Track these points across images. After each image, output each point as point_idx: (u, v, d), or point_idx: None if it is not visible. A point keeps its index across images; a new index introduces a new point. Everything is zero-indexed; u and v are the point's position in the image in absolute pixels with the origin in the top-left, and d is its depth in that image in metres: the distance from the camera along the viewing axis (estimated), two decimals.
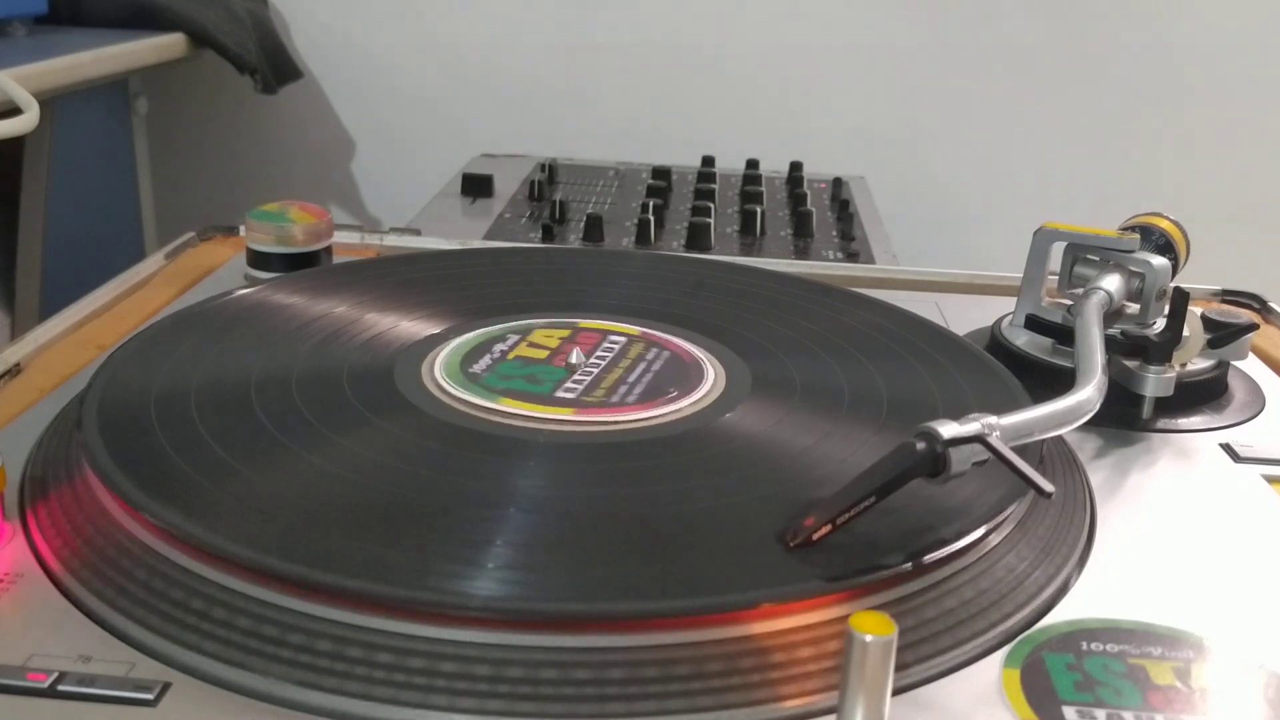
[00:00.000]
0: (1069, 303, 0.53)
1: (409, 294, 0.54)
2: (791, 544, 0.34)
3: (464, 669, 0.30)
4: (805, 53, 1.40)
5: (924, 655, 0.32)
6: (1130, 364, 0.49)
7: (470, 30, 1.42)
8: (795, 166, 1.16)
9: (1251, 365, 0.55)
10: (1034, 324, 0.54)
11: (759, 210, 0.95)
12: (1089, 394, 0.41)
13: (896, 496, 0.34)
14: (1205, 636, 0.34)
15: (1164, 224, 0.55)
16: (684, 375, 0.46)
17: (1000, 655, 0.33)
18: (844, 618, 0.31)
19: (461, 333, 0.49)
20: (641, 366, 0.47)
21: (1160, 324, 0.50)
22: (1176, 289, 0.49)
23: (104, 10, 1.24)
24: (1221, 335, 0.51)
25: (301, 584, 0.31)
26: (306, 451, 0.39)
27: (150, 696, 0.30)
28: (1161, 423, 0.49)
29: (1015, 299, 0.55)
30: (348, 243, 0.70)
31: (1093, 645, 0.33)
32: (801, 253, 0.90)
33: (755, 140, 1.31)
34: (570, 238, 0.91)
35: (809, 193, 1.04)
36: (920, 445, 0.34)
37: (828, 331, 0.51)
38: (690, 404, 0.43)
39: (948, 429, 0.34)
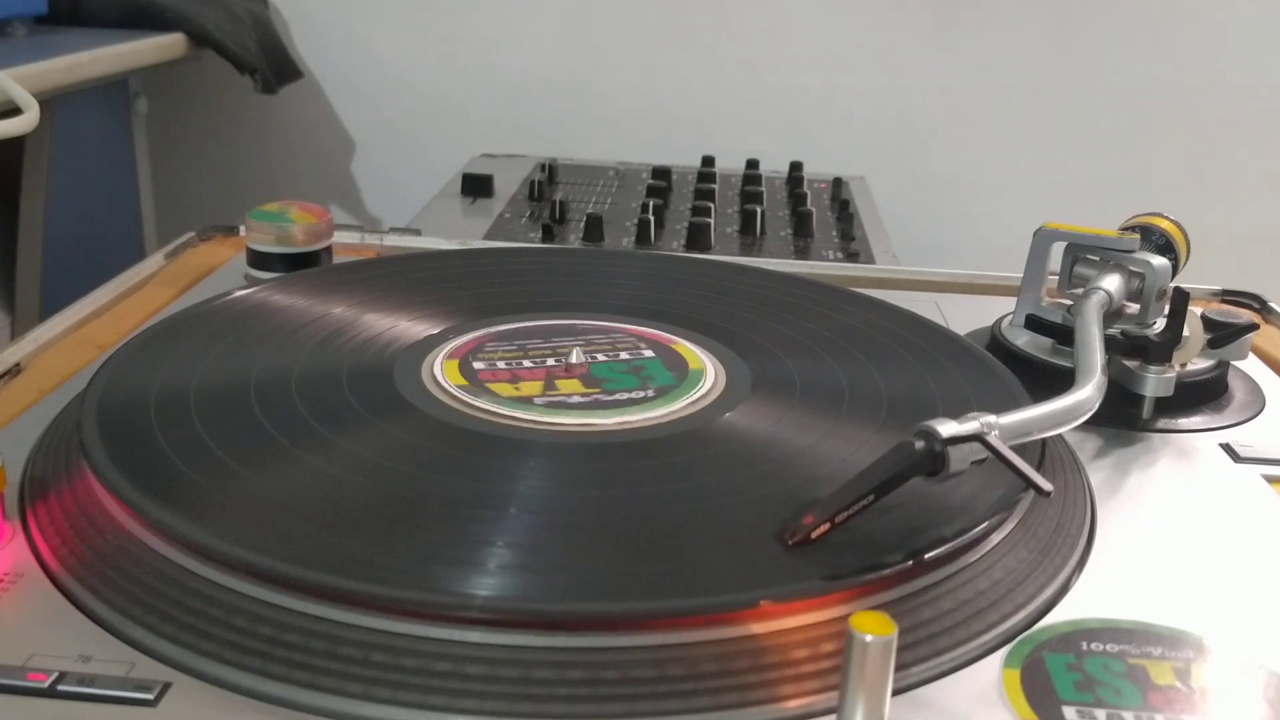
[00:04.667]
0: (1069, 303, 0.53)
1: (409, 294, 0.54)
2: (791, 542, 0.34)
3: (463, 669, 0.30)
4: (805, 52, 1.40)
5: (924, 655, 0.32)
6: (1130, 364, 0.49)
7: (470, 30, 1.42)
8: (795, 166, 1.16)
9: (1251, 365, 0.55)
10: (1034, 324, 0.54)
11: (759, 210, 0.95)
12: (1088, 393, 0.41)
13: (896, 495, 0.34)
14: (1205, 636, 0.34)
15: (1164, 224, 0.55)
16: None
17: (1000, 655, 0.33)
18: (844, 618, 0.31)
19: (461, 333, 0.49)
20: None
21: (1160, 324, 0.50)
22: (1176, 289, 0.49)
23: (104, 10, 1.24)
24: (1221, 335, 0.51)
25: (301, 584, 0.31)
26: (306, 452, 0.39)
27: (150, 696, 0.30)
28: (1161, 423, 0.49)
29: (1015, 299, 0.55)
30: (348, 243, 0.70)
31: (1093, 645, 0.33)
32: (801, 253, 0.90)
33: (755, 140, 1.31)
34: (570, 238, 0.91)
35: (809, 193, 1.04)
36: (919, 444, 0.34)
37: (828, 331, 0.51)
38: (690, 404, 0.43)
39: (946, 428, 0.34)
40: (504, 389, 0.44)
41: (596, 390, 0.44)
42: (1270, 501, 0.43)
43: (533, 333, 0.50)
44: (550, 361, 0.47)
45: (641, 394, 0.44)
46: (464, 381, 0.44)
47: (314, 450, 0.39)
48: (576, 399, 0.43)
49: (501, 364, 0.46)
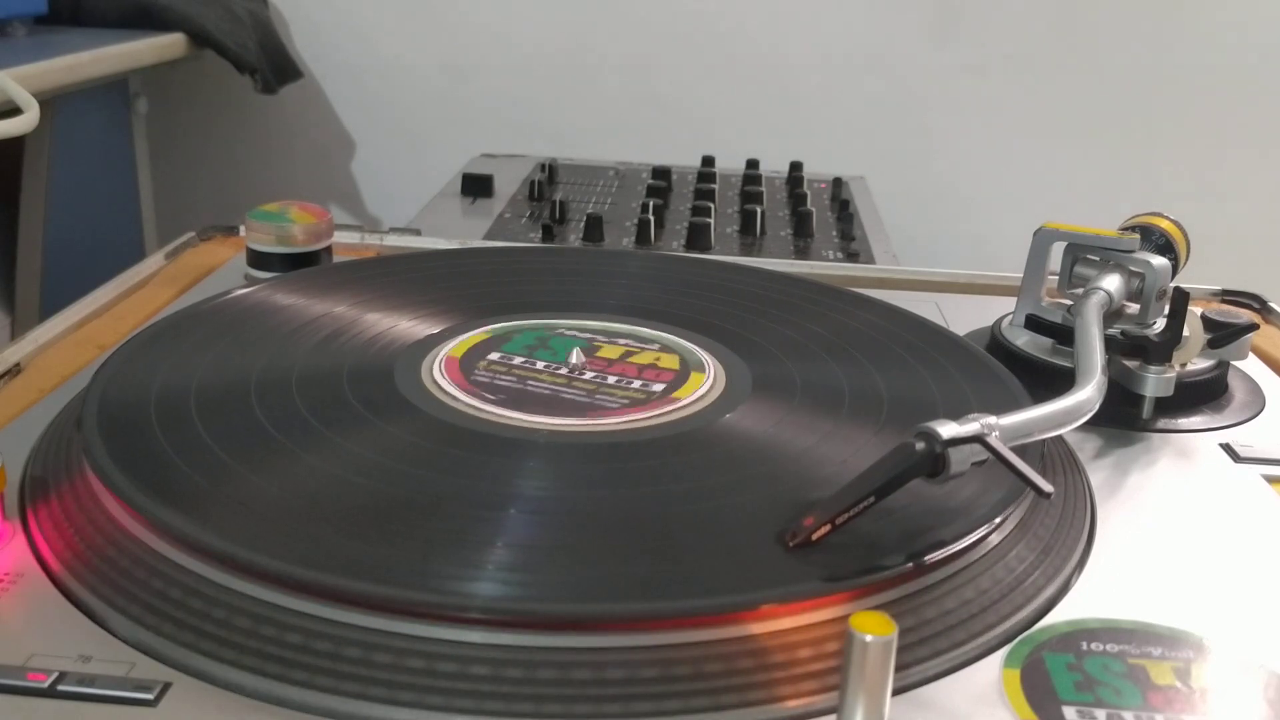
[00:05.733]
0: (1069, 303, 0.53)
1: (409, 294, 0.54)
2: (791, 544, 0.34)
3: (463, 669, 0.30)
4: (805, 53, 1.40)
5: (924, 655, 0.32)
6: (1130, 364, 0.49)
7: (470, 30, 1.42)
8: (795, 166, 1.16)
9: (1251, 365, 0.55)
10: (1034, 324, 0.54)
11: (759, 210, 0.95)
12: (1088, 394, 0.41)
13: (896, 496, 0.34)
14: (1205, 636, 0.34)
15: (1164, 224, 0.55)
16: (660, 393, 0.46)
17: (1000, 655, 0.33)
18: (844, 618, 0.31)
19: (461, 333, 0.49)
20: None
21: (1160, 324, 0.50)
22: (1176, 289, 0.49)
23: (104, 10, 1.24)
24: (1221, 335, 0.51)
25: (301, 584, 0.31)
26: (306, 452, 0.39)
27: (150, 696, 0.30)
28: (1161, 423, 0.49)
29: (1015, 299, 0.55)
30: (348, 243, 0.70)
31: (1093, 645, 0.33)
32: (801, 253, 0.90)
33: (755, 140, 1.31)
34: (570, 238, 0.91)
35: (809, 193, 1.04)
36: (919, 445, 0.34)
37: (828, 331, 0.51)
38: (690, 404, 0.43)
39: (947, 429, 0.34)
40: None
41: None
42: (1270, 501, 0.43)
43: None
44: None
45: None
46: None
47: (314, 450, 0.39)
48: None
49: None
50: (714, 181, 1.08)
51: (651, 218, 0.91)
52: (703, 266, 0.62)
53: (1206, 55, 1.37)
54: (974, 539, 0.35)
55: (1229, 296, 0.67)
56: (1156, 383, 0.49)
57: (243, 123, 1.48)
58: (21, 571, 0.35)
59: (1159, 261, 0.52)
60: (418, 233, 0.75)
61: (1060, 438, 0.44)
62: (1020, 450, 0.36)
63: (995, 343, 0.55)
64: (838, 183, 1.14)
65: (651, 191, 1.03)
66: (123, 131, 1.30)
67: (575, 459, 0.39)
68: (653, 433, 0.41)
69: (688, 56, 1.41)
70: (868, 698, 0.27)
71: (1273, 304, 0.65)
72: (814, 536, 0.34)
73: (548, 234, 0.91)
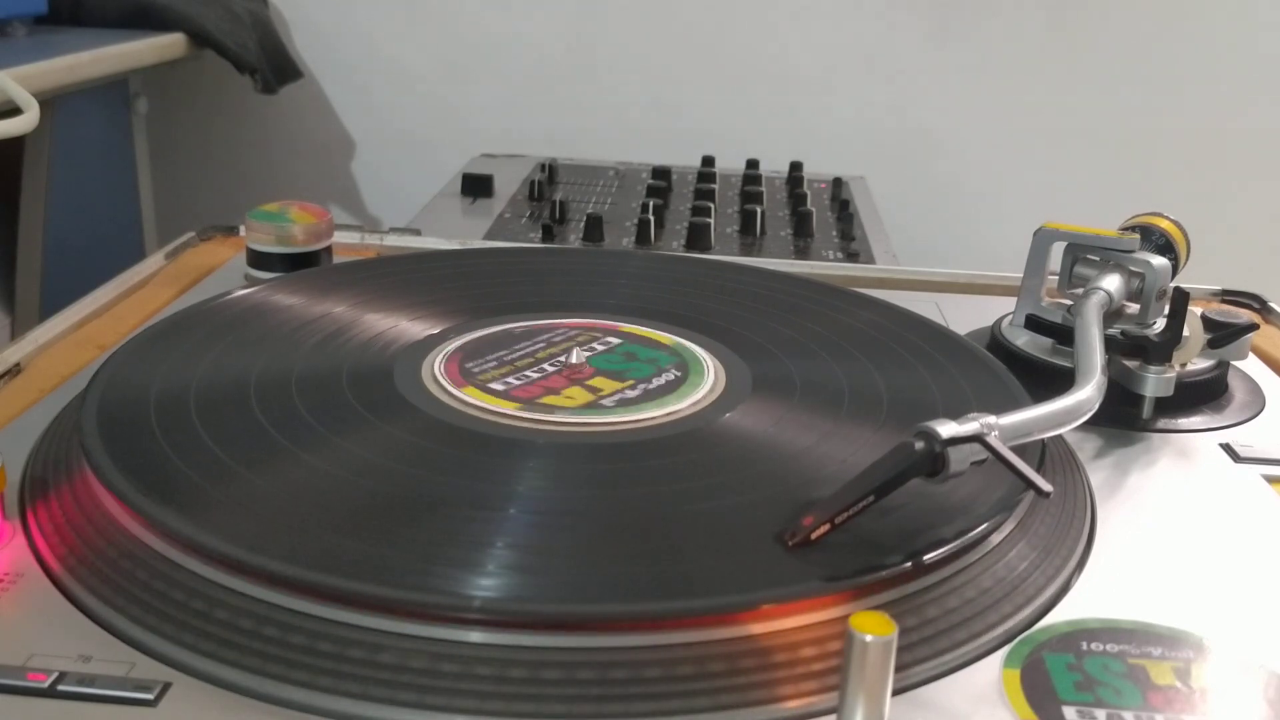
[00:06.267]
0: (1069, 303, 0.53)
1: (409, 294, 0.54)
2: (791, 543, 0.34)
3: (463, 669, 0.30)
4: (805, 53, 1.40)
5: (924, 655, 0.32)
6: (1130, 364, 0.49)
7: (470, 30, 1.42)
8: (795, 166, 1.16)
9: (1251, 365, 0.55)
10: (1034, 324, 0.54)
11: (759, 210, 0.95)
12: (1088, 394, 0.41)
13: (896, 496, 0.34)
14: (1205, 636, 0.34)
15: (1164, 224, 0.55)
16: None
17: (1000, 655, 0.33)
18: (844, 618, 0.31)
19: (461, 333, 0.49)
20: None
21: (1160, 324, 0.50)
22: (1176, 289, 0.49)
23: (104, 10, 1.24)
24: (1221, 335, 0.51)
25: (300, 585, 0.31)
26: (306, 452, 0.39)
27: (150, 696, 0.30)
28: (1161, 423, 0.49)
29: (1015, 299, 0.55)
30: (348, 243, 0.70)
31: (1093, 645, 0.33)
32: (801, 253, 0.90)
33: (755, 140, 1.31)
34: (570, 238, 0.91)
35: (809, 193, 1.04)
36: (919, 445, 0.34)
37: (828, 331, 0.51)
38: (690, 404, 0.43)
39: (946, 428, 0.34)
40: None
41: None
42: (1270, 501, 0.43)
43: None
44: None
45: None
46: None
47: (314, 450, 0.39)
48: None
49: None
50: (714, 181, 1.08)
51: (651, 218, 0.91)
52: (703, 266, 0.62)
53: (1206, 55, 1.37)
54: (974, 538, 0.35)
55: (1229, 296, 0.67)
56: (1156, 383, 0.49)
57: (243, 123, 1.48)
58: (21, 571, 0.35)
59: (1159, 261, 0.52)
60: (418, 233, 0.75)
61: (1060, 437, 0.44)
62: (1020, 450, 0.36)
63: (995, 343, 0.55)
64: (838, 183, 1.14)
65: (651, 191, 1.03)
66: (123, 131, 1.30)
67: (575, 459, 0.39)
68: (653, 433, 0.41)
69: (688, 56, 1.41)
70: (868, 698, 0.27)
71: (1273, 304, 0.65)
72: (813, 536, 0.34)
73: (548, 234, 0.91)
